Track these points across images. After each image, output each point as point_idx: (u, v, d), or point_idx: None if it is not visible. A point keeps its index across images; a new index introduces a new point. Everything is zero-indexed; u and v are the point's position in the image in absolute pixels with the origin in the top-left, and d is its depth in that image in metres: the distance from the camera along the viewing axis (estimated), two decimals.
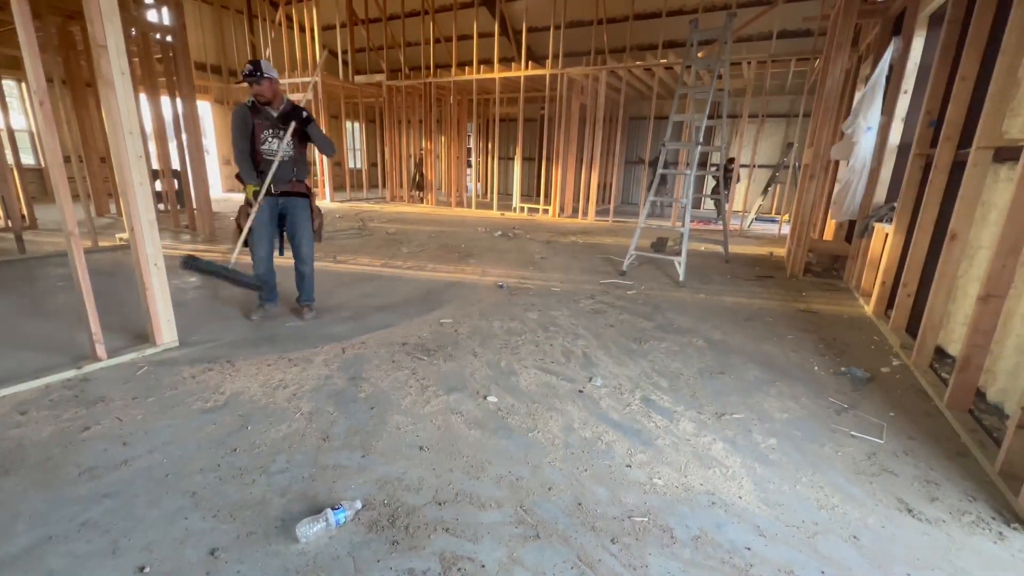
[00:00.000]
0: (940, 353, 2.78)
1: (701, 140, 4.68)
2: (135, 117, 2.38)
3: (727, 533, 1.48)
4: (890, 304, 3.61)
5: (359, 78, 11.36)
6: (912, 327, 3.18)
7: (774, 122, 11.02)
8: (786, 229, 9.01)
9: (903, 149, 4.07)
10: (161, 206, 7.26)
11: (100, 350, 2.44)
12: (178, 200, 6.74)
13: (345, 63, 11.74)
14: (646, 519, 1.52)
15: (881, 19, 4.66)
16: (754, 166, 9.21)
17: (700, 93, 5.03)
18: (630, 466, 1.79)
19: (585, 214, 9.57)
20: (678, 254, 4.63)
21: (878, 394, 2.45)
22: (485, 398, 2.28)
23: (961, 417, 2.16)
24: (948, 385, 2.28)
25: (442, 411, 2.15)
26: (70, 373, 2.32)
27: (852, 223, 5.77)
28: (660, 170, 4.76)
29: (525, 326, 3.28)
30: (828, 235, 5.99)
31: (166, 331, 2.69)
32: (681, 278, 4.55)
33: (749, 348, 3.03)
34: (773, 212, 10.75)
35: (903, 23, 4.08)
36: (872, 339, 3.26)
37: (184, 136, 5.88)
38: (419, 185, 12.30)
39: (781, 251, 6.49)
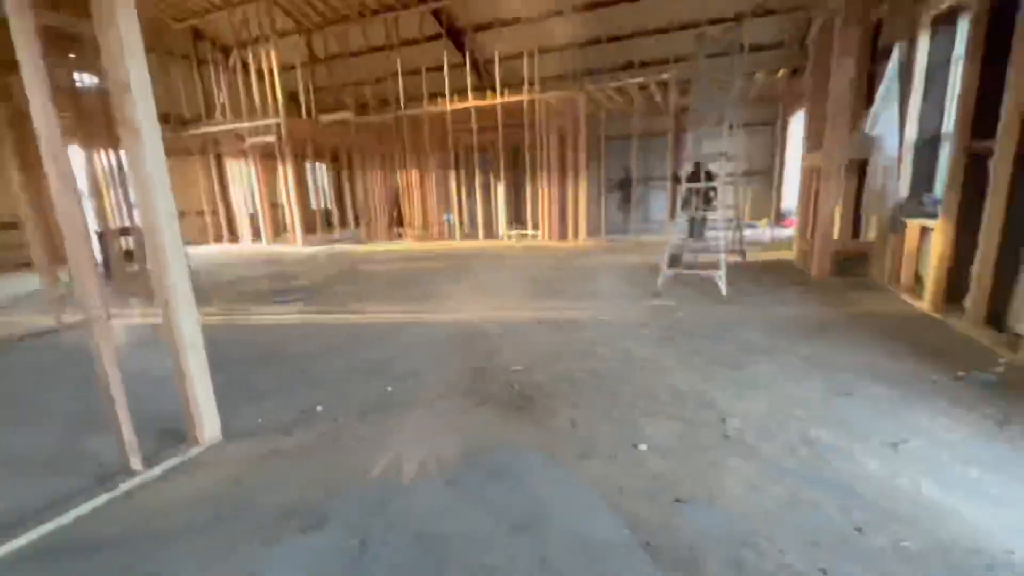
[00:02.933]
0: None
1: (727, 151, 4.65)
2: (164, 169, 1.96)
3: None
4: (949, 299, 3.58)
5: (325, 117, 10.93)
6: (993, 321, 3.12)
7: (757, 130, 11.19)
8: (771, 233, 9.25)
9: (926, 144, 4.16)
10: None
11: (135, 461, 1.93)
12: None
13: (308, 103, 11.26)
14: None
15: (898, 18, 4.79)
16: (749, 173, 9.39)
17: (707, 106, 5.03)
18: (860, 530, 1.51)
19: (576, 236, 9.46)
20: (695, 267, 4.50)
21: (1016, 396, 2.30)
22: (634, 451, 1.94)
23: None
24: None
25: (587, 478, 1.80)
26: (103, 499, 1.80)
27: (857, 221, 5.92)
28: (686, 184, 4.67)
29: (606, 365, 2.97)
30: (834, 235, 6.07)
31: (208, 426, 2.19)
32: (724, 292, 4.40)
33: (846, 362, 2.85)
34: (748, 217, 11.01)
35: (914, 23, 4.17)
36: (950, 337, 3.17)
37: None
38: (398, 221, 11.86)
39: (789, 254, 6.54)
